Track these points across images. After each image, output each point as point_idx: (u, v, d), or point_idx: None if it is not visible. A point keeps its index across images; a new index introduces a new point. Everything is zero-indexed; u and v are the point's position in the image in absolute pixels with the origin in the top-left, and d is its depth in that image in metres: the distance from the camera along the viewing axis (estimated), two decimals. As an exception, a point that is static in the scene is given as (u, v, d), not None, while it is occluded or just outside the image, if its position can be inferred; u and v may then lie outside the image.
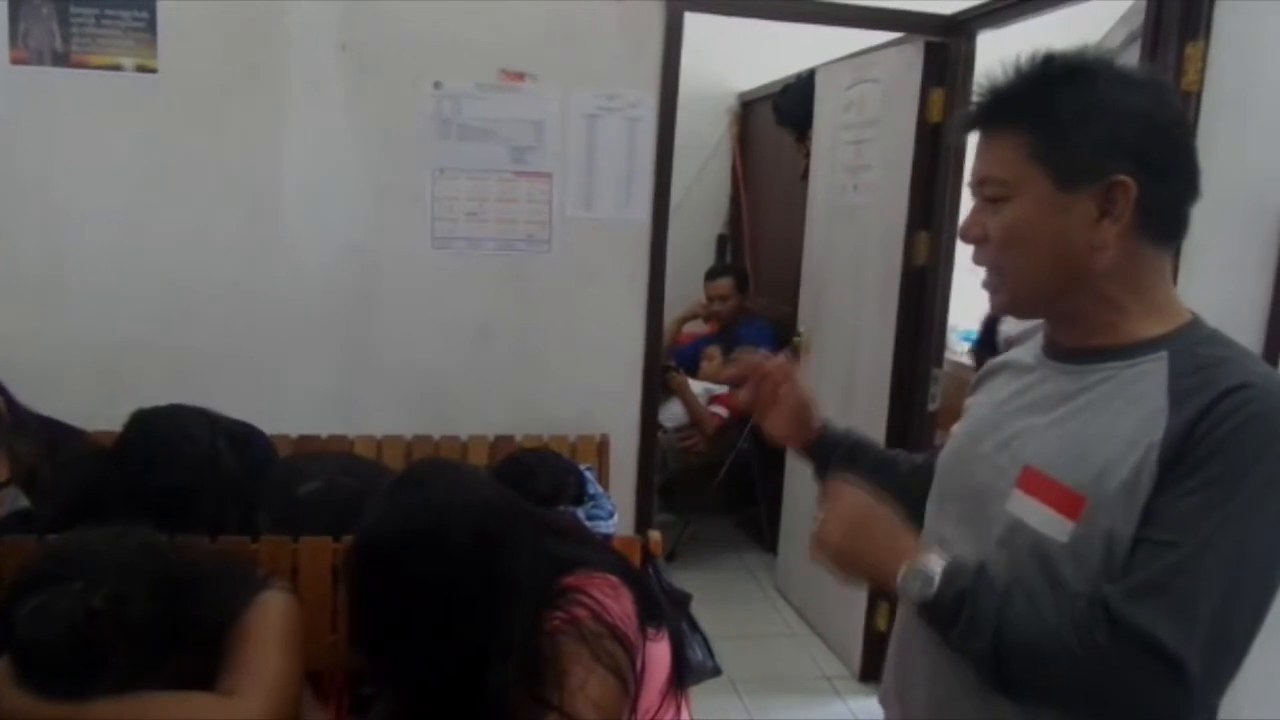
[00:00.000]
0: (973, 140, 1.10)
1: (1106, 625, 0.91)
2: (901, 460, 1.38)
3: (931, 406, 3.01)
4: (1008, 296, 1.07)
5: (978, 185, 1.06)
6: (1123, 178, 0.97)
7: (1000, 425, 1.10)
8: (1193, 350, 0.99)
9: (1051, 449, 1.02)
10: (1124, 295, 1.03)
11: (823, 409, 1.40)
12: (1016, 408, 1.11)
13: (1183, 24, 1.97)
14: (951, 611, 0.98)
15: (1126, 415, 0.98)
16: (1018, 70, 1.04)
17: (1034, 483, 1.02)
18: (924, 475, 1.25)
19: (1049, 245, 1.02)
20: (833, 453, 1.37)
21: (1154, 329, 1.02)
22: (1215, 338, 1.03)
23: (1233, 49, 1.93)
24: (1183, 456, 0.92)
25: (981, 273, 1.10)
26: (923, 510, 1.20)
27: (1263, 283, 1.89)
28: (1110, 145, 0.98)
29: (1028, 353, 1.17)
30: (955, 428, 1.22)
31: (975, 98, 1.07)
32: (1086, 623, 0.92)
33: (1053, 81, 1.01)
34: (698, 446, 4.09)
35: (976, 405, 1.20)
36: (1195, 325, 1.04)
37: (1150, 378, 0.98)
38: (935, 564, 1.00)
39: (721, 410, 4.09)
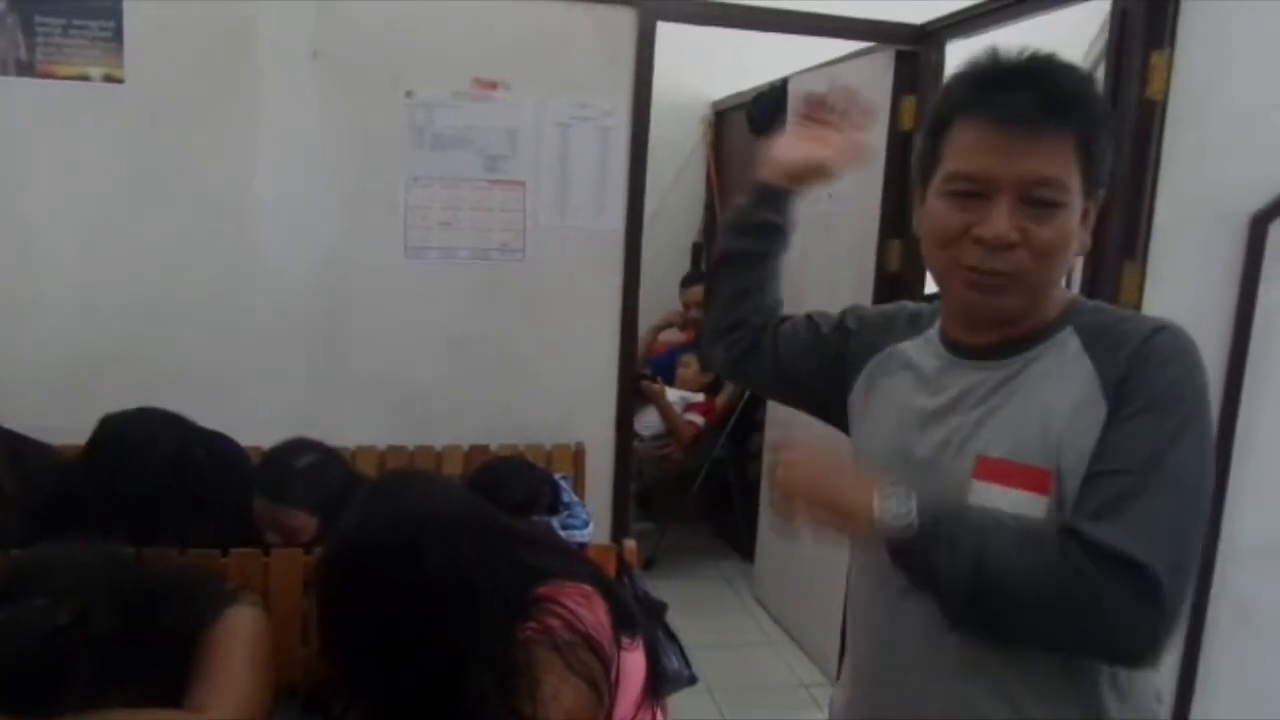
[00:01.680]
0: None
1: (1079, 549, 0.93)
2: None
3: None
4: (1020, 302, 1.04)
5: (1033, 185, 0.99)
6: (1103, 190, 1.03)
7: (928, 431, 1.10)
8: (1092, 319, 1.06)
9: (998, 434, 1.03)
10: (1056, 290, 1.08)
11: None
12: (936, 408, 1.11)
13: (1148, 33, 2.00)
14: (930, 535, 0.97)
15: (1061, 386, 1.02)
16: (1053, 68, 1.01)
17: (992, 469, 1.02)
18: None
19: (1069, 254, 1.03)
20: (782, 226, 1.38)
21: (1052, 312, 1.07)
22: (1101, 306, 1.10)
23: (1197, 57, 1.96)
24: (1123, 397, 0.98)
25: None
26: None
27: (1228, 287, 1.92)
28: (1109, 154, 1.03)
29: (922, 355, 1.17)
30: (860, 439, 1.21)
31: (1014, 90, 0.99)
32: (1060, 548, 0.94)
33: (1088, 84, 1.02)
34: (674, 454, 4.09)
35: (882, 416, 1.18)
36: (1079, 300, 1.10)
37: (1067, 350, 1.04)
38: (908, 492, 0.99)
39: (697, 418, 4.09)
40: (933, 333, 1.18)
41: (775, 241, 1.39)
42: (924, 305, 1.26)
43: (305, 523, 1.95)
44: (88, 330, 2.45)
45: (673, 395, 4.13)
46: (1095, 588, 0.92)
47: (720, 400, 4.17)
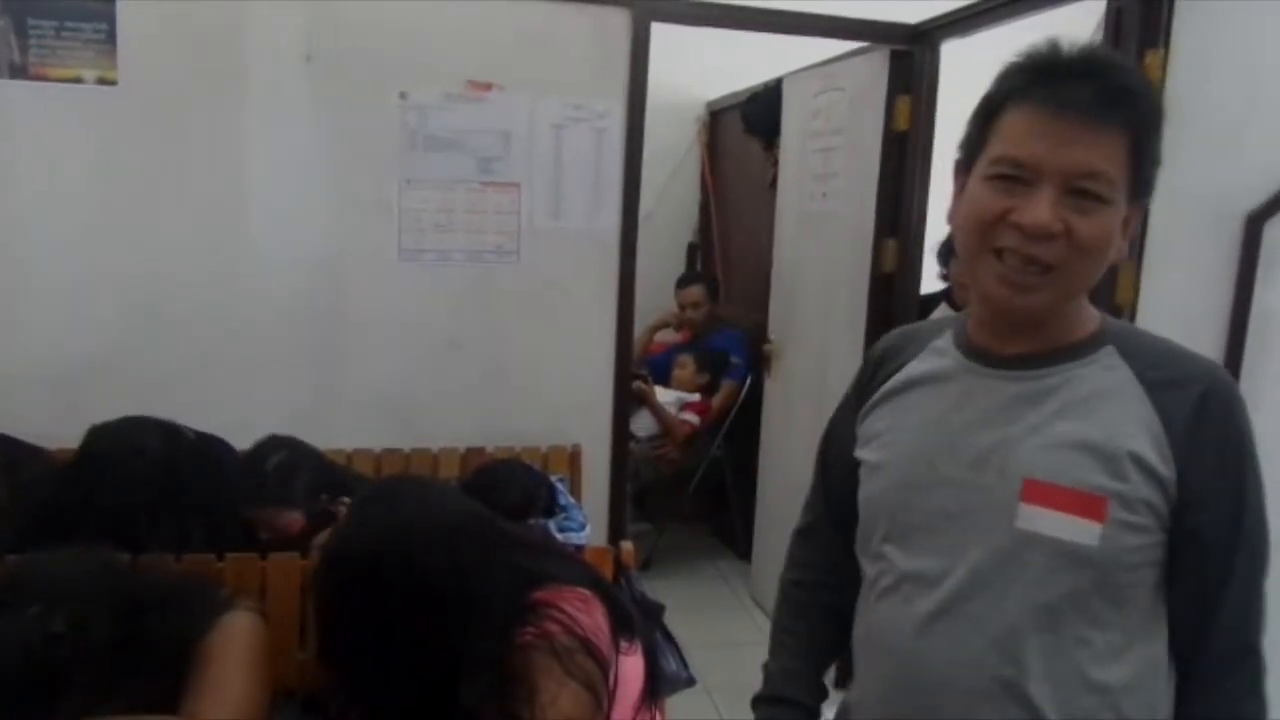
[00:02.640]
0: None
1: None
2: (826, 614, 1.29)
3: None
4: (1050, 298, 1.00)
5: (1081, 177, 0.96)
6: (1148, 200, 1.01)
7: (958, 444, 1.06)
8: (1129, 341, 1.04)
9: (1048, 457, 1.00)
10: (1085, 299, 1.06)
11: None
12: (965, 422, 1.06)
13: (1142, 32, 2.00)
14: None
15: (1111, 411, 0.99)
16: (1112, 63, 0.99)
17: (1043, 493, 0.99)
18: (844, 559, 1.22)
19: (1108, 255, 1.00)
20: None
21: (1086, 327, 1.05)
22: (1128, 327, 1.10)
23: (1192, 57, 1.96)
24: (1199, 463, 0.98)
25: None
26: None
27: (1224, 286, 1.92)
28: (1159, 160, 1.00)
29: (934, 364, 1.12)
30: (872, 455, 1.14)
31: (1072, 80, 0.96)
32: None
33: (1148, 85, 1.00)
34: (670, 454, 4.09)
35: (896, 430, 1.13)
36: (1108, 318, 1.08)
37: (1113, 372, 1.01)
38: None
39: (692, 418, 4.09)
40: (943, 343, 1.13)
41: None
42: (907, 328, 1.23)
43: (289, 519, 1.97)
44: (81, 334, 2.44)
45: (669, 395, 4.13)
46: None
47: (716, 400, 4.18)
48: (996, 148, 1.00)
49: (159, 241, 2.47)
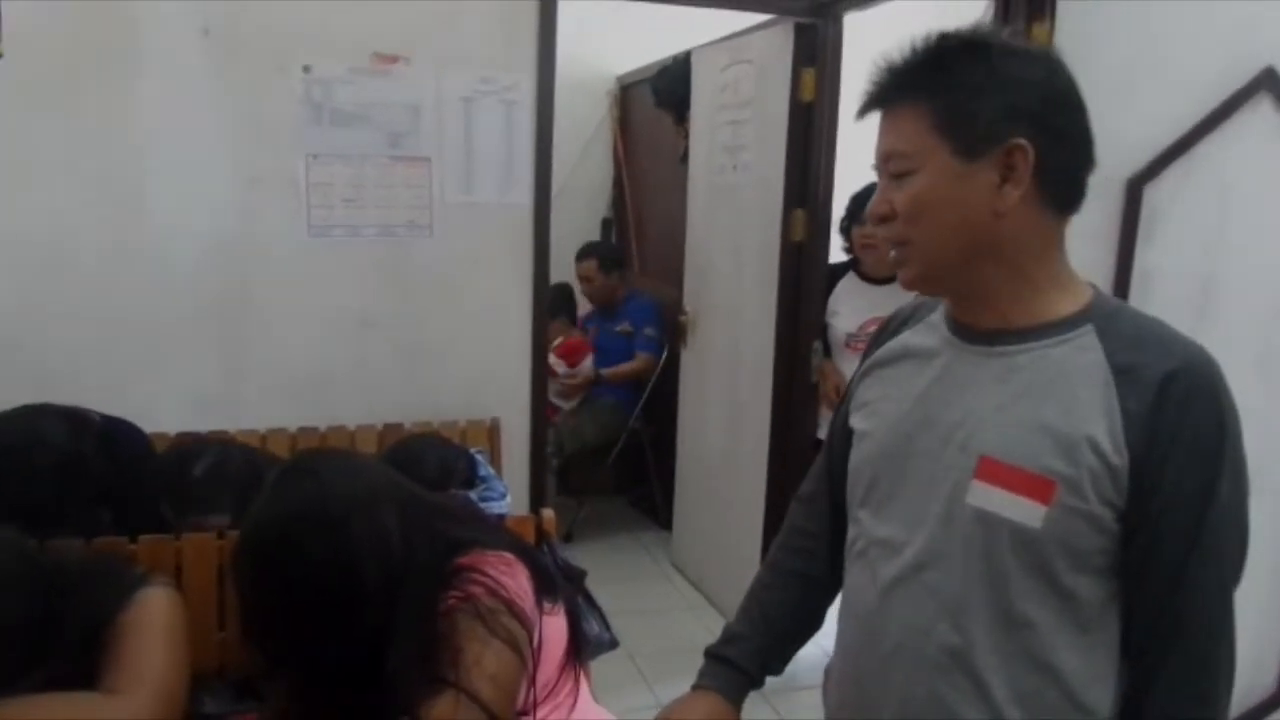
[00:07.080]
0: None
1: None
2: (794, 594, 1.32)
3: (813, 379, 3.11)
4: (916, 270, 1.06)
5: (882, 162, 1.05)
6: (1021, 141, 0.98)
7: (932, 418, 1.08)
8: (1111, 321, 1.02)
9: (1005, 436, 1.01)
10: (1031, 266, 1.04)
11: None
12: (941, 397, 1.09)
13: (1029, 6, 2.10)
14: None
15: (1075, 395, 0.99)
16: (913, 48, 1.03)
17: (994, 472, 1.01)
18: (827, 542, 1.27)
19: (953, 215, 1.01)
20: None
21: (1069, 305, 1.04)
22: (1123, 307, 1.08)
23: (1075, 29, 2.05)
24: (1154, 450, 0.96)
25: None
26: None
27: (1107, 250, 2.02)
28: (1008, 112, 0.99)
29: (925, 338, 1.15)
30: (861, 423, 1.18)
31: (873, 78, 1.05)
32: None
33: (949, 55, 1.02)
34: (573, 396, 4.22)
35: (884, 400, 1.16)
36: (1100, 296, 1.07)
37: (1085, 353, 1.00)
38: None
39: (557, 364, 4.15)
40: (935, 317, 1.16)
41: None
42: (919, 300, 1.23)
43: (218, 525, 1.91)
44: (-27, 318, 2.35)
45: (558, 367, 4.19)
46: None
47: (628, 368, 4.21)
48: None
49: (53, 219, 2.38)
